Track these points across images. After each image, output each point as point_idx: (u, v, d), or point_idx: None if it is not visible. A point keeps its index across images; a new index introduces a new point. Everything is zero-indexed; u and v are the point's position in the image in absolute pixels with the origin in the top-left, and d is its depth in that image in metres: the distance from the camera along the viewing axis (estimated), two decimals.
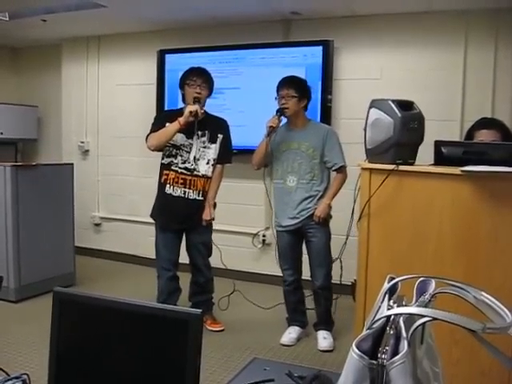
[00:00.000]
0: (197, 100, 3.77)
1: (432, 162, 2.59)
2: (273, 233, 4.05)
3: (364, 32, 4.90)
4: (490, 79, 4.48)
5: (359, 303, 2.69)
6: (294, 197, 3.76)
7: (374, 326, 0.78)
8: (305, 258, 3.93)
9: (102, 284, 5.06)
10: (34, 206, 4.66)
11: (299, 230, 3.82)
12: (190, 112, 3.68)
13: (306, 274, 3.99)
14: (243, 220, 5.41)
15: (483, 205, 2.33)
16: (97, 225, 6.38)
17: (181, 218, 3.88)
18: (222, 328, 4.06)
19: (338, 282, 3.84)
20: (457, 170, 2.34)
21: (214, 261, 4.16)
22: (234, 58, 5.37)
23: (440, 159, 2.54)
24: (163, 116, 4.04)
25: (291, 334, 3.91)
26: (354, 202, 2.71)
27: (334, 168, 3.78)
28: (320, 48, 4.96)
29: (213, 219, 3.95)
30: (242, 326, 4.19)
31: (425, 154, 2.66)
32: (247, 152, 4.69)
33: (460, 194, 2.37)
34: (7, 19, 5.22)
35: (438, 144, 2.57)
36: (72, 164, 5.15)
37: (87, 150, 6.37)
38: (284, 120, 3.87)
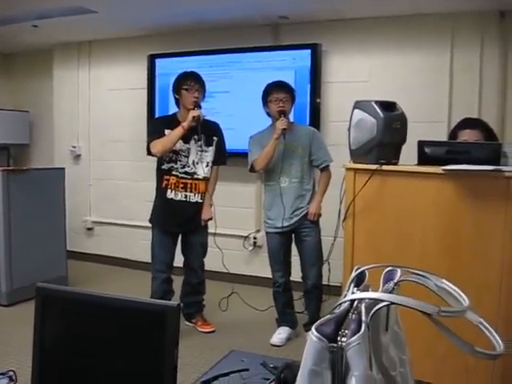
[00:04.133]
0: (197, 105, 3.84)
1: (416, 162, 2.63)
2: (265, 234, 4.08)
3: (352, 35, 4.95)
4: (477, 81, 4.53)
5: None
6: (287, 197, 3.81)
7: (336, 310, 0.82)
8: (294, 259, 3.97)
9: (94, 287, 5.03)
10: (25, 210, 4.68)
11: (293, 230, 3.88)
12: (193, 117, 3.76)
13: (294, 275, 4.03)
14: (234, 222, 5.44)
15: (466, 203, 2.36)
16: (89, 229, 6.40)
17: (183, 221, 3.95)
18: (213, 329, 4.09)
19: (326, 284, 3.87)
20: (439, 170, 2.38)
21: (211, 263, 4.21)
22: (224, 62, 5.40)
23: (423, 159, 2.58)
24: (160, 123, 4.08)
25: (281, 334, 3.95)
26: (340, 203, 2.74)
27: (322, 166, 3.88)
28: (308, 51, 5.00)
29: (211, 219, 4.02)
30: (234, 327, 4.22)
31: (410, 155, 2.70)
32: (237, 155, 4.73)
33: (443, 193, 2.40)
34: None
35: (421, 144, 2.61)
36: (63, 168, 5.17)
37: (79, 155, 6.40)
38: (269, 123, 3.93)
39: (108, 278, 5.52)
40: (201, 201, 3.96)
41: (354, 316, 0.81)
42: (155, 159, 3.98)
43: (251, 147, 3.98)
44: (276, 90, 3.84)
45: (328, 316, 0.81)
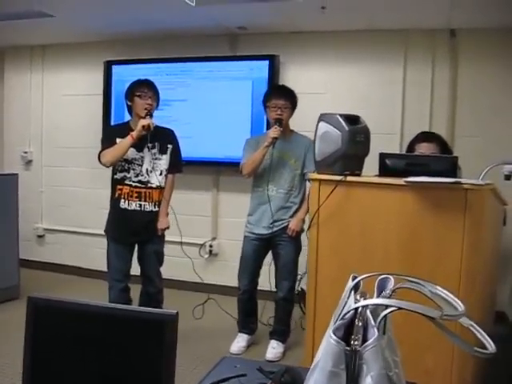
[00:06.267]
0: (149, 113, 3.78)
1: (377, 173, 2.74)
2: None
3: (309, 47, 5.06)
4: (428, 95, 4.72)
5: (309, 309, 2.79)
6: (271, 206, 3.77)
7: (346, 316, 0.88)
8: (264, 268, 4.01)
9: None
10: None
11: (270, 240, 3.87)
12: (143, 126, 3.69)
13: (264, 284, 4.08)
14: (190, 230, 5.44)
15: (425, 213, 2.48)
16: (40, 236, 6.26)
17: (137, 230, 3.87)
18: None
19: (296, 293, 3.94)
20: (401, 181, 2.49)
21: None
22: (182, 70, 5.42)
23: (384, 170, 2.69)
24: (112, 131, 4.01)
25: (239, 342, 3.98)
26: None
27: None
28: (266, 62, 5.07)
29: (168, 228, 3.97)
30: (195, 335, 4.22)
31: (369, 165, 2.81)
32: (194, 163, 4.76)
33: (405, 204, 2.51)
34: None
35: (383, 156, 2.72)
36: (16, 174, 5.07)
37: (30, 161, 6.27)
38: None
39: (62, 288, 5.41)
40: (156, 209, 3.90)
41: (360, 322, 0.87)
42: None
43: (244, 151, 3.93)
44: (276, 96, 3.81)
45: (341, 321, 0.87)
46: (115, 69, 5.65)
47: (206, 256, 5.51)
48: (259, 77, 5.11)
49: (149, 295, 4.04)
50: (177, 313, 1.15)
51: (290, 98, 3.84)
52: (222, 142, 5.22)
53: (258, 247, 3.90)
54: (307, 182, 3.76)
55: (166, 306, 4.06)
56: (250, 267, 3.93)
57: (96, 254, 5.67)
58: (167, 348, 1.14)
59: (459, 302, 0.92)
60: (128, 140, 3.70)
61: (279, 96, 3.81)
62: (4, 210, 4.89)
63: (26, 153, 6.24)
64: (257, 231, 3.87)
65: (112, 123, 5.58)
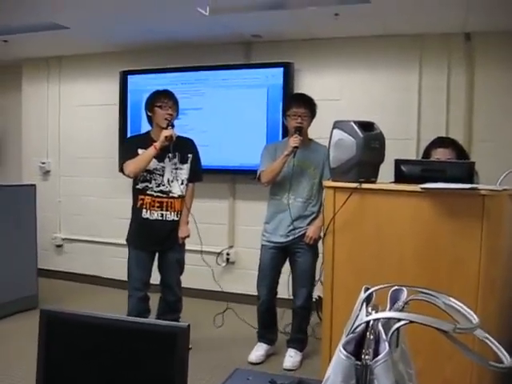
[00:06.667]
0: (170, 124, 3.82)
1: (392, 180, 2.71)
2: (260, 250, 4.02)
3: (323, 54, 5.06)
4: (444, 99, 4.68)
5: (326, 318, 2.76)
6: (288, 214, 3.76)
7: (357, 330, 0.86)
8: (283, 277, 3.98)
9: (65, 306, 4.88)
10: None
11: (287, 248, 3.85)
12: (166, 137, 3.74)
13: (283, 292, 4.06)
14: (207, 239, 5.44)
15: (442, 219, 2.44)
16: (58, 246, 6.32)
17: (159, 239, 3.91)
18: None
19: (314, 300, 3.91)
20: (417, 188, 2.46)
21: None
22: (197, 79, 5.44)
23: (400, 177, 2.67)
24: (133, 142, 4.03)
25: (258, 351, 3.95)
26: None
27: None
28: (281, 70, 5.08)
29: (188, 236, 4.00)
30: (211, 344, 4.21)
31: (384, 172, 2.79)
32: (210, 171, 4.76)
33: (421, 210, 2.48)
34: None
35: (398, 162, 2.69)
36: (34, 185, 5.12)
37: (48, 171, 6.33)
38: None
39: (80, 297, 5.45)
40: (177, 219, 3.93)
41: (371, 336, 0.86)
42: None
43: (262, 157, 3.92)
44: (296, 105, 3.78)
45: (352, 335, 0.86)
46: (131, 79, 5.69)
47: (224, 264, 5.51)
48: (274, 84, 5.12)
49: (168, 303, 4.06)
50: (188, 325, 1.15)
51: (309, 106, 3.83)
52: (238, 149, 5.23)
53: (276, 255, 3.88)
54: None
55: (185, 314, 4.10)
56: (269, 276, 3.91)
57: (113, 263, 5.72)
58: (179, 360, 1.14)
59: (474, 314, 0.90)
60: (151, 150, 3.75)
61: (299, 104, 3.78)
62: (22, 220, 4.94)
63: (43, 163, 6.31)
64: (274, 239, 3.86)
65: (128, 133, 5.63)
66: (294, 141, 3.67)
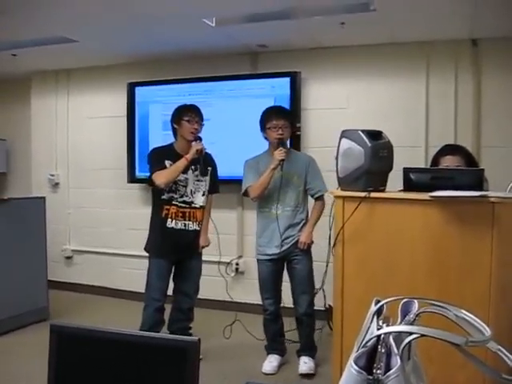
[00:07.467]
0: (197, 137, 3.93)
1: (401, 188, 2.71)
2: (256, 260, 4.04)
3: (330, 63, 5.07)
4: (452, 106, 4.67)
5: (336, 328, 2.76)
6: (278, 225, 3.79)
7: (368, 344, 0.86)
8: (285, 285, 3.98)
9: (76, 318, 4.98)
10: (5, 240, 4.62)
11: (283, 258, 3.87)
12: (197, 150, 3.86)
13: (286, 301, 4.05)
14: (216, 249, 5.44)
15: (453, 228, 2.44)
16: (68, 257, 6.33)
17: (182, 248, 4.00)
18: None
19: (323, 309, 3.88)
20: (426, 196, 2.45)
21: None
22: (204, 90, 5.46)
23: (409, 185, 2.66)
24: (160, 154, 4.07)
25: (272, 362, 3.93)
26: (330, 229, 2.79)
27: (317, 195, 3.85)
28: (287, 79, 5.09)
29: (208, 245, 4.15)
30: (223, 354, 4.20)
31: (393, 180, 2.78)
32: (220, 182, 4.76)
33: (430, 219, 2.48)
34: None
35: (407, 171, 2.69)
36: (44, 197, 5.15)
37: (57, 183, 6.36)
38: (266, 147, 3.94)
39: (91, 308, 5.44)
40: (198, 228, 4.06)
41: (383, 349, 0.85)
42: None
43: (246, 172, 3.96)
44: (275, 117, 3.82)
45: (363, 349, 0.85)
46: (138, 90, 5.72)
47: (233, 274, 5.50)
48: (281, 94, 5.12)
49: (182, 311, 4.11)
50: (199, 339, 1.15)
51: (289, 117, 3.92)
52: (246, 159, 5.21)
53: (274, 267, 3.90)
54: (309, 198, 3.90)
55: (196, 324, 4.13)
56: (271, 289, 3.92)
57: (123, 274, 5.73)
58: (190, 375, 1.13)
59: (485, 326, 0.90)
60: (183, 162, 3.86)
61: (279, 117, 3.83)
62: (32, 232, 4.96)
63: (52, 175, 6.34)
64: (269, 252, 3.87)
65: (136, 144, 5.67)
66: (279, 154, 3.72)
